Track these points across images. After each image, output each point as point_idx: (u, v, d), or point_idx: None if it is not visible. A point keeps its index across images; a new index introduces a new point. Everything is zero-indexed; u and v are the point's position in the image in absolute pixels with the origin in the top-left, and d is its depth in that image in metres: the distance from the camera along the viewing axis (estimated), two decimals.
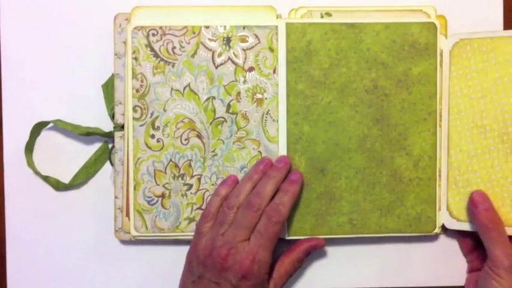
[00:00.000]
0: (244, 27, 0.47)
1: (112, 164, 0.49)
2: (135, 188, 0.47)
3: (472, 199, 0.47)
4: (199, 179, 0.47)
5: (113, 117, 0.48)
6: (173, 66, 0.47)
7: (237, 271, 0.43)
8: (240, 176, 0.47)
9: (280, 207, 0.44)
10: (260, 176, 0.45)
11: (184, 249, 0.50)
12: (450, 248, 0.51)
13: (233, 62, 0.47)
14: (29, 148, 0.49)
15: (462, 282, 0.51)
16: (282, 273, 0.47)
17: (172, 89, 0.47)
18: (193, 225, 0.47)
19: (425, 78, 0.47)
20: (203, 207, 0.47)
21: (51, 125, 0.49)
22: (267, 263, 0.44)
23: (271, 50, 0.47)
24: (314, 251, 0.48)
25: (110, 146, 0.49)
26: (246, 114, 0.47)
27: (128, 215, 0.47)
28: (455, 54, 0.47)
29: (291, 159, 0.47)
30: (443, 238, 0.50)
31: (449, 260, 0.51)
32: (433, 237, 0.50)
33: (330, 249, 0.50)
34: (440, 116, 0.48)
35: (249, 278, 0.43)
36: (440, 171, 0.48)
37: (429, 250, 0.50)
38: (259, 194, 0.44)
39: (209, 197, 0.47)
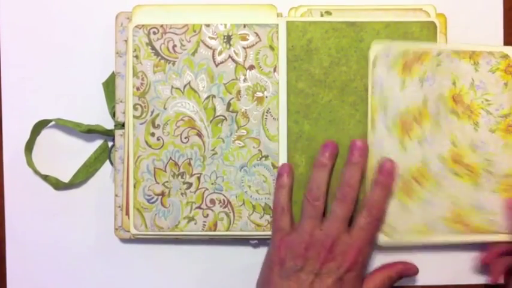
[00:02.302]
0: (244, 26, 0.47)
1: (111, 163, 0.49)
2: (135, 186, 0.47)
3: (508, 202, 0.47)
4: (198, 178, 0.47)
5: (113, 115, 0.48)
6: (174, 64, 0.47)
7: (342, 262, 0.43)
8: (240, 174, 0.47)
9: (380, 203, 0.45)
10: (331, 163, 0.46)
11: (184, 249, 0.50)
12: (450, 247, 0.50)
13: (233, 60, 0.47)
14: (29, 147, 0.49)
15: (462, 282, 0.50)
16: (374, 286, 0.45)
17: (172, 87, 0.47)
18: (192, 224, 0.47)
19: None
20: (202, 206, 0.47)
21: (51, 124, 0.49)
22: (369, 256, 0.45)
23: (272, 48, 0.47)
24: (406, 276, 0.47)
25: (110, 145, 0.49)
26: (246, 112, 0.47)
27: (127, 213, 0.47)
28: None
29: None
30: None
31: (450, 260, 0.50)
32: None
33: None
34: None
35: (353, 270, 0.43)
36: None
37: (429, 250, 0.50)
38: (350, 185, 0.44)
39: (209, 197, 0.47)
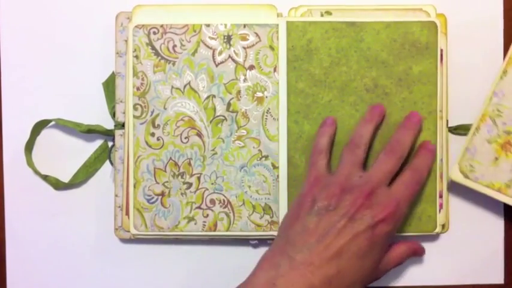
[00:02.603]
0: (244, 26, 0.47)
1: (111, 163, 0.49)
2: (135, 186, 0.47)
3: None
4: (198, 178, 0.47)
5: (113, 115, 0.49)
6: (174, 64, 0.47)
7: (378, 212, 0.41)
8: (240, 174, 0.47)
9: (425, 168, 0.45)
10: (378, 120, 0.46)
11: (184, 249, 0.50)
12: (451, 247, 0.50)
13: (233, 60, 0.47)
14: (29, 147, 0.49)
15: (462, 282, 0.50)
16: (394, 258, 0.45)
17: (172, 87, 0.47)
18: (192, 224, 0.47)
19: (426, 77, 0.47)
20: (202, 206, 0.47)
21: (51, 124, 0.49)
22: (404, 218, 0.43)
23: (272, 48, 0.47)
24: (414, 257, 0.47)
25: (110, 145, 0.49)
26: (246, 112, 0.47)
27: (127, 213, 0.47)
28: None
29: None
30: (443, 238, 0.50)
31: (450, 260, 0.50)
32: (434, 237, 0.50)
33: None
34: (438, 114, 0.48)
35: (388, 222, 0.41)
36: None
37: (429, 250, 0.50)
38: (400, 142, 0.44)
39: (209, 197, 0.47)
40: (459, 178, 0.47)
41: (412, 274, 0.50)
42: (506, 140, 0.47)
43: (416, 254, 0.47)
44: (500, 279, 0.50)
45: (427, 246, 0.50)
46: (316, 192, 0.43)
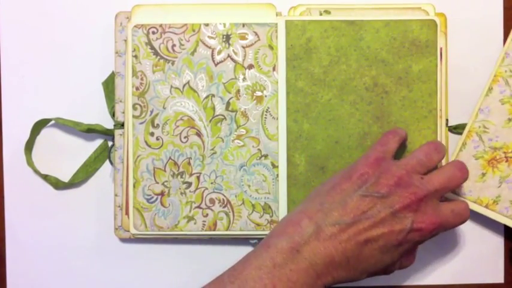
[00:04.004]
0: (243, 25, 0.47)
1: (111, 163, 0.49)
2: (134, 186, 0.47)
3: None
4: (198, 177, 0.47)
5: (113, 115, 0.49)
6: (173, 64, 0.47)
7: (420, 221, 0.40)
8: (239, 173, 0.47)
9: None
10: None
11: (184, 248, 0.50)
12: (451, 246, 0.50)
13: (233, 59, 0.47)
14: (29, 147, 0.49)
15: (462, 281, 0.50)
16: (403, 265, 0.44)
17: (171, 86, 0.47)
18: (192, 224, 0.47)
19: (426, 75, 0.47)
20: (202, 205, 0.47)
21: (51, 123, 0.49)
22: (432, 236, 0.42)
23: (271, 47, 0.47)
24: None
25: (110, 144, 0.49)
26: (245, 112, 0.47)
27: (127, 213, 0.47)
28: None
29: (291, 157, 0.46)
30: (445, 237, 0.50)
31: (450, 259, 0.50)
32: (436, 237, 0.50)
33: None
34: (438, 113, 0.48)
35: (423, 234, 0.40)
36: None
37: (429, 249, 0.50)
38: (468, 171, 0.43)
39: (208, 196, 0.47)
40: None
41: (412, 274, 0.50)
42: (493, 156, 0.47)
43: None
44: (500, 278, 0.50)
45: (427, 245, 0.50)
46: (371, 173, 0.41)
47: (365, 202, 0.40)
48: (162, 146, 0.47)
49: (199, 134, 0.47)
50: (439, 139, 0.47)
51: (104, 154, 0.50)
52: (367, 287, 0.50)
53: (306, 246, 0.39)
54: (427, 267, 0.50)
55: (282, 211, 0.47)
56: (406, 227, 0.40)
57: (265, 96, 0.47)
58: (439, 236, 0.49)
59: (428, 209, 0.41)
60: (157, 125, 0.47)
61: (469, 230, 0.50)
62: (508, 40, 0.48)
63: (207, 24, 0.47)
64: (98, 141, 0.50)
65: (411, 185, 0.40)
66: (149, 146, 0.47)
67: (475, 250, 0.50)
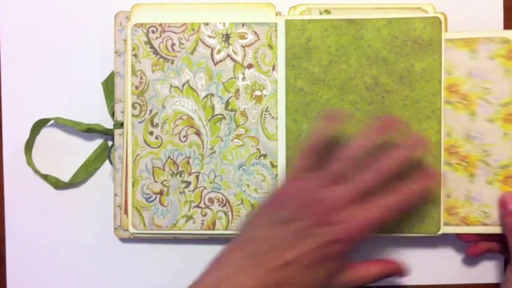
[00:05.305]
0: (243, 24, 0.47)
1: (111, 163, 0.49)
2: (133, 185, 0.47)
3: (502, 199, 0.46)
4: (197, 177, 0.47)
5: (113, 115, 0.49)
6: (172, 63, 0.47)
7: (338, 232, 0.39)
8: (238, 173, 0.47)
9: (412, 197, 0.41)
10: (381, 136, 0.42)
11: (183, 248, 0.50)
12: (451, 246, 0.50)
13: (232, 59, 0.47)
14: (29, 147, 0.49)
15: (463, 281, 0.50)
16: (354, 278, 0.42)
17: (171, 85, 0.47)
18: (191, 223, 0.47)
19: (429, 74, 0.47)
20: (201, 205, 0.47)
21: (50, 123, 0.50)
22: (364, 240, 0.40)
23: (271, 47, 0.47)
24: (394, 276, 0.44)
25: (110, 144, 0.49)
26: (244, 111, 0.47)
27: (126, 212, 0.47)
28: None
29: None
30: (446, 239, 0.49)
31: (451, 260, 0.50)
32: (437, 238, 0.49)
33: None
34: (442, 113, 0.47)
35: (345, 244, 0.39)
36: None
37: (429, 248, 0.50)
38: (388, 166, 0.41)
39: (207, 195, 0.47)
40: None
41: (412, 273, 0.49)
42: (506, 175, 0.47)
43: (395, 274, 0.43)
44: (500, 278, 0.50)
45: (430, 246, 0.49)
46: (285, 200, 0.41)
47: (280, 229, 0.39)
48: (161, 145, 0.47)
49: (198, 134, 0.47)
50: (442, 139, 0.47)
51: (103, 154, 0.50)
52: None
53: (226, 281, 0.39)
54: (426, 266, 0.50)
55: None
56: (325, 242, 0.39)
57: (265, 95, 0.47)
58: (440, 237, 0.49)
59: (346, 217, 0.39)
60: (157, 124, 0.47)
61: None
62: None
63: (206, 24, 0.47)
64: (98, 141, 0.50)
65: (323, 200, 0.40)
66: (148, 145, 0.47)
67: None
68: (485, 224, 0.47)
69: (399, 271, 0.43)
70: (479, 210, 0.46)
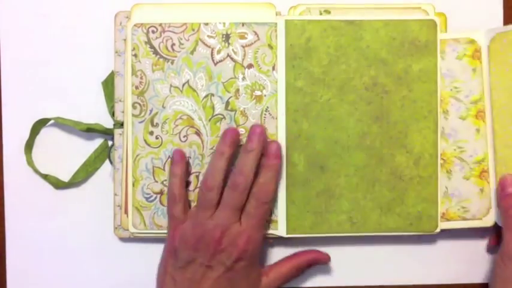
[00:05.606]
0: (243, 24, 0.47)
1: (111, 163, 0.49)
2: (133, 185, 0.47)
3: (501, 181, 0.47)
4: (197, 177, 0.47)
5: (113, 114, 0.49)
6: (172, 63, 0.47)
7: (232, 252, 0.43)
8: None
9: (267, 186, 0.44)
10: (232, 150, 0.44)
11: None
12: (449, 245, 0.50)
13: (232, 59, 0.47)
14: (29, 146, 0.49)
15: (463, 281, 0.50)
16: (278, 275, 0.46)
17: (171, 85, 0.47)
18: None
19: (426, 75, 0.47)
20: None
21: (50, 123, 0.50)
22: (260, 243, 0.44)
23: (271, 47, 0.47)
24: (317, 265, 0.48)
25: (110, 144, 0.49)
26: (244, 111, 0.47)
27: (126, 211, 0.47)
28: (492, 49, 0.47)
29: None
30: (444, 237, 0.50)
31: (451, 259, 0.50)
32: (434, 236, 0.50)
33: (329, 248, 0.49)
34: (438, 113, 0.48)
35: (243, 259, 0.43)
36: (488, 168, 0.48)
37: (428, 248, 0.50)
38: (242, 173, 0.43)
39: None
40: None
41: (411, 273, 0.50)
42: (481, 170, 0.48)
43: (318, 262, 0.47)
44: None
45: (427, 245, 0.50)
46: (176, 245, 0.44)
47: (185, 272, 0.43)
48: (161, 145, 0.47)
49: (198, 133, 0.47)
50: (439, 139, 0.47)
51: (104, 154, 0.50)
52: (367, 287, 0.50)
53: None
54: (425, 266, 0.50)
55: (281, 210, 0.47)
56: (226, 267, 0.43)
57: (265, 95, 0.47)
58: (438, 236, 0.49)
59: (232, 237, 0.43)
60: (157, 124, 0.47)
61: (467, 229, 0.50)
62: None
63: (206, 24, 0.47)
64: (98, 141, 0.50)
65: (206, 233, 0.43)
66: (148, 145, 0.47)
67: (474, 249, 0.50)
68: (464, 219, 0.48)
69: (321, 259, 0.47)
70: (458, 206, 0.48)
